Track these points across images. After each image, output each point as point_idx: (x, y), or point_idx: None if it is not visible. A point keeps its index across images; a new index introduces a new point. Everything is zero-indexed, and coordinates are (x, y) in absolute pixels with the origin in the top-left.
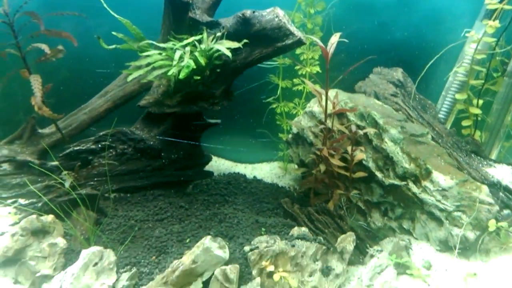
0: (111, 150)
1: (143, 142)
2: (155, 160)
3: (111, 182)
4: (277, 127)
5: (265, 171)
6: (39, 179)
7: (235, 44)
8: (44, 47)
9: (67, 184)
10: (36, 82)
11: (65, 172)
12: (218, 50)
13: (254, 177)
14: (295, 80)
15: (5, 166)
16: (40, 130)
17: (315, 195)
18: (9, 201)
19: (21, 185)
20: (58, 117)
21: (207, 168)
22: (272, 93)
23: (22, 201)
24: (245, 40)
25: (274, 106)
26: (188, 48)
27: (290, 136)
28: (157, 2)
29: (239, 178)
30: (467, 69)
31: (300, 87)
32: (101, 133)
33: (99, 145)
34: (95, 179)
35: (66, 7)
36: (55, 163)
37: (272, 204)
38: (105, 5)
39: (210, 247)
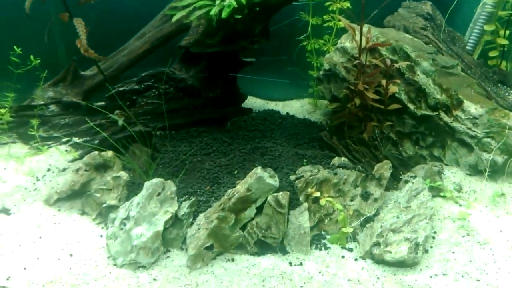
0: (153, 90)
1: (184, 82)
2: (195, 98)
3: (155, 120)
4: (307, 64)
5: (296, 107)
6: (87, 119)
7: None
8: None
9: (120, 122)
10: (80, 25)
11: (117, 111)
12: None
13: (287, 113)
14: (325, 17)
15: (53, 107)
16: (82, 73)
17: (348, 128)
18: (64, 139)
19: (70, 125)
20: (102, 59)
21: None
22: (303, 30)
23: (76, 139)
24: None
25: (304, 43)
26: None
27: (321, 72)
28: None
29: (274, 114)
30: (495, 0)
31: (330, 24)
32: (144, 74)
33: (142, 85)
34: (140, 118)
35: None
36: (101, 103)
37: (307, 137)
38: None
39: (263, 176)
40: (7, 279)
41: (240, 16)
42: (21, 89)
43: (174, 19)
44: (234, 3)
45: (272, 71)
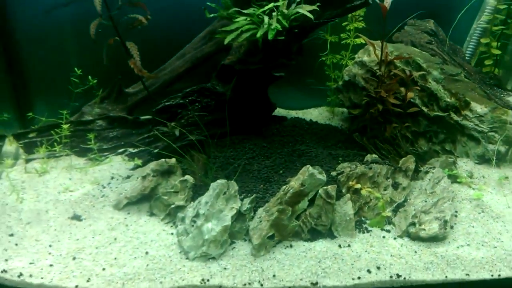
0: (197, 104)
1: (224, 95)
2: (234, 109)
3: (200, 130)
4: (324, 76)
5: (315, 115)
6: (133, 132)
7: (313, 7)
8: (142, 18)
9: (177, 132)
10: (133, 48)
11: (172, 123)
12: (296, 13)
13: (310, 120)
14: (342, 35)
15: (101, 122)
16: (126, 90)
17: (370, 131)
18: (120, 150)
19: (118, 137)
20: (153, 77)
21: None
22: (322, 47)
23: (131, 149)
24: (318, 4)
25: (323, 58)
26: (274, 13)
27: (341, 83)
28: None
29: (301, 121)
30: (490, 18)
31: (348, 41)
32: (188, 90)
33: (187, 100)
34: (186, 128)
35: None
36: (147, 117)
37: (334, 140)
38: None
39: (314, 173)
40: (87, 281)
41: (282, 38)
42: (78, 107)
43: (226, 41)
44: (279, 26)
45: (293, 84)
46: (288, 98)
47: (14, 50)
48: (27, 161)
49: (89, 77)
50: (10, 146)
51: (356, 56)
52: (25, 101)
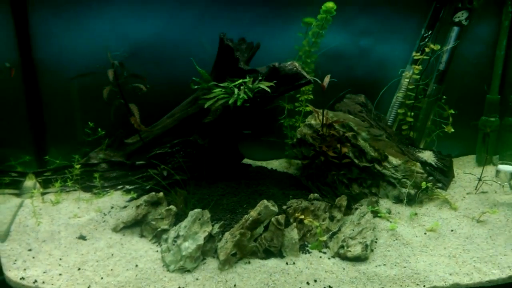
0: (181, 152)
1: (203, 147)
2: (211, 158)
3: (183, 172)
4: (283, 135)
5: (276, 165)
6: (129, 173)
7: (270, 84)
8: (142, 87)
9: (165, 173)
10: (134, 108)
11: (162, 166)
12: (258, 87)
13: (271, 168)
14: (296, 104)
15: (104, 165)
16: (125, 140)
17: (316, 177)
18: (119, 187)
19: (117, 178)
20: (148, 130)
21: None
22: (281, 113)
23: (128, 186)
24: (275, 81)
25: (282, 121)
26: (242, 87)
27: (295, 140)
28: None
29: (263, 169)
30: (404, 94)
31: (300, 108)
32: (175, 141)
33: (173, 149)
34: (172, 170)
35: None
36: (141, 162)
37: (288, 183)
38: (194, 61)
39: (268, 205)
40: (88, 287)
41: (247, 105)
42: (87, 152)
43: (206, 105)
44: (245, 96)
45: (259, 140)
46: (255, 151)
47: (39, 106)
48: (44, 193)
49: (99, 129)
50: (30, 181)
51: (306, 120)
52: (43, 146)
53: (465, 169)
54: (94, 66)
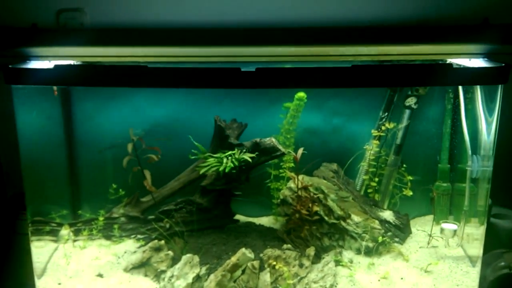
0: (184, 209)
1: (201, 205)
2: (208, 214)
3: (184, 225)
4: (270, 196)
5: (264, 221)
6: (142, 225)
7: (252, 155)
8: (154, 157)
9: (167, 226)
10: (147, 174)
11: (166, 220)
12: (242, 158)
13: (259, 224)
14: (280, 170)
15: (123, 219)
16: (141, 199)
17: (293, 231)
18: (132, 236)
19: (132, 229)
20: (157, 192)
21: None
22: (268, 177)
23: (139, 236)
24: (256, 153)
25: (269, 184)
26: (230, 157)
27: (279, 200)
28: (209, 133)
29: (251, 224)
30: (368, 164)
31: (283, 174)
32: (178, 200)
33: (178, 206)
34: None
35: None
36: (152, 216)
37: (271, 237)
38: (191, 138)
39: (245, 253)
40: None
41: (234, 171)
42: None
43: (201, 172)
44: (232, 165)
45: (250, 201)
46: (246, 209)
47: (75, 172)
48: (75, 240)
49: (120, 189)
50: (64, 230)
51: (288, 184)
52: (77, 203)
53: (424, 227)
54: (119, 142)
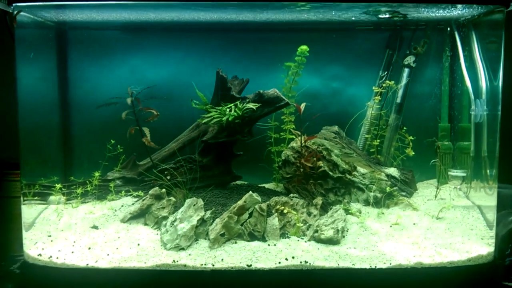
0: (184, 167)
1: (202, 162)
2: (208, 172)
3: (185, 184)
4: (271, 161)
5: (265, 187)
6: (138, 187)
7: (256, 105)
8: (154, 111)
9: (168, 177)
10: (146, 131)
11: (167, 171)
12: (246, 107)
13: (262, 185)
14: (281, 133)
15: (118, 181)
16: (138, 162)
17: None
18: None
19: (129, 191)
20: (158, 148)
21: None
22: (269, 141)
23: (135, 193)
24: (259, 104)
25: (270, 148)
26: (232, 107)
27: (280, 162)
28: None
29: (253, 185)
30: (369, 122)
31: (284, 136)
32: (178, 159)
33: (177, 165)
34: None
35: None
36: (150, 178)
37: (274, 194)
38: (195, 87)
39: (252, 194)
40: (95, 262)
41: (238, 121)
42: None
43: (203, 121)
44: (235, 114)
45: (250, 164)
46: (246, 177)
47: (69, 132)
48: (67, 202)
49: (118, 146)
50: (57, 194)
51: (289, 144)
52: (69, 167)
53: (427, 189)
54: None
